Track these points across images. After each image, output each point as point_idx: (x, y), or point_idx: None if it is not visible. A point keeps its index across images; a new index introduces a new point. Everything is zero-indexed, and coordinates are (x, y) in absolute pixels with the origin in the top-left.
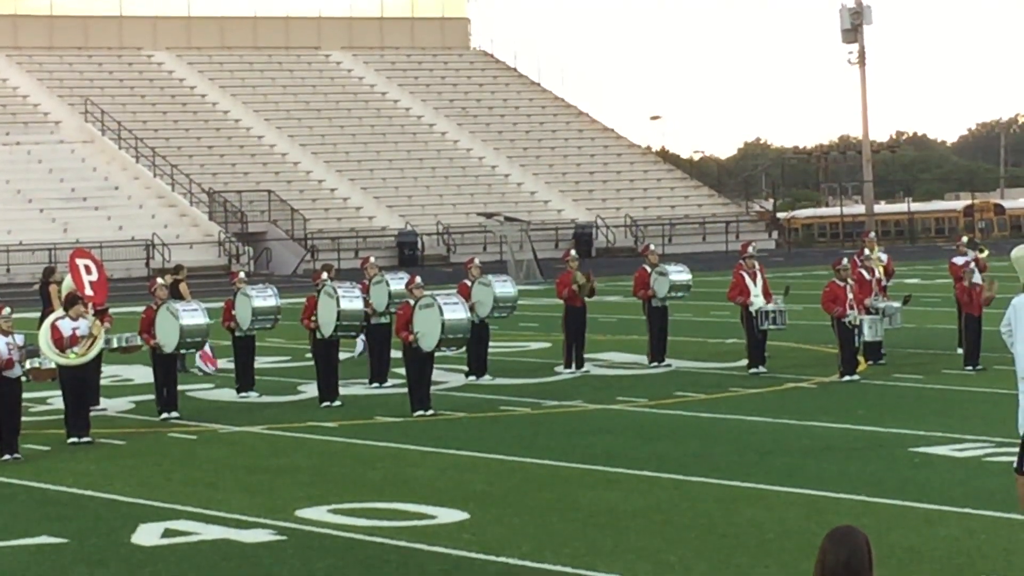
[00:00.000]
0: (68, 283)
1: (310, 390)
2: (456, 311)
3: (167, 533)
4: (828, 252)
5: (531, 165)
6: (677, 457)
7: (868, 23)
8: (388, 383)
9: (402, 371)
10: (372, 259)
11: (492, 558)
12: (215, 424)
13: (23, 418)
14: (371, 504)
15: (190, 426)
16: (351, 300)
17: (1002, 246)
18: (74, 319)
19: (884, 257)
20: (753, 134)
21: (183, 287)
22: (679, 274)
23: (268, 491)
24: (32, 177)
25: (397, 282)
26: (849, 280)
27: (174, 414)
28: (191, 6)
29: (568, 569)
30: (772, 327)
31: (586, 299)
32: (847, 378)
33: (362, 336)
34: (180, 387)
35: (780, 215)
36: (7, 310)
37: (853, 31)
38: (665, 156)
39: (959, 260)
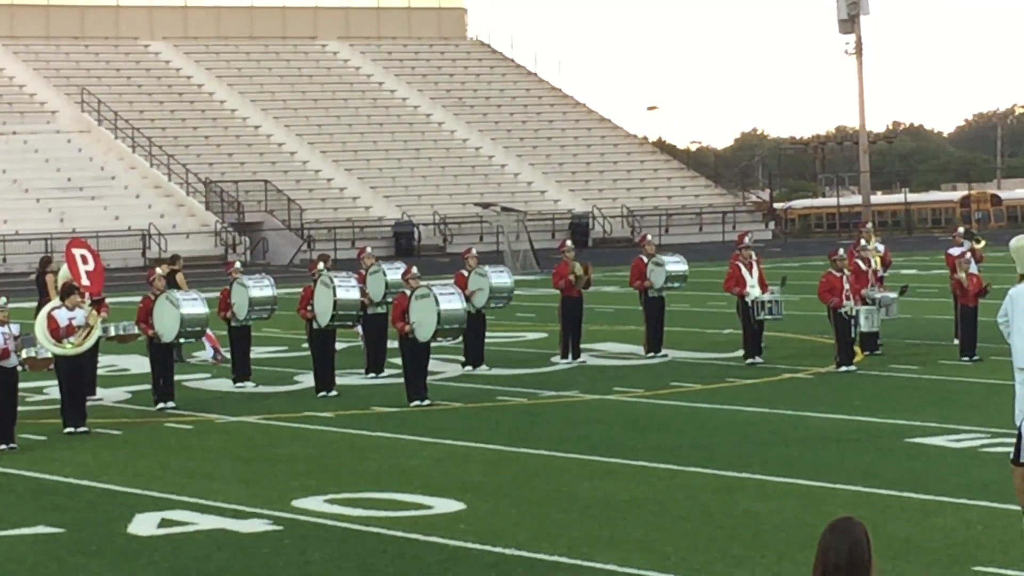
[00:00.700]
0: (64, 273)
1: (307, 380)
2: (452, 301)
3: (163, 523)
4: (825, 242)
5: (528, 155)
6: (673, 447)
7: (865, 13)
8: (384, 373)
9: (398, 361)
10: (368, 249)
11: (488, 548)
12: (211, 414)
13: (19, 408)
14: (367, 494)
15: (186, 416)
16: (348, 290)
17: (999, 236)
18: (70, 309)
19: (881, 247)
20: (750, 124)
21: (180, 277)
22: (676, 264)
23: (264, 481)
24: (29, 167)
25: (394, 272)
26: (845, 271)
27: (170, 404)
28: None
29: (564, 559)
30: (768, 317)
31: (583, 290)
32: (843, 369)
33: (359, 326)
34: (177, 377)
35: (777, 205)
36: (3, 300)
37: (850, 21)
38: (662, 146)
39: (955, 251)
